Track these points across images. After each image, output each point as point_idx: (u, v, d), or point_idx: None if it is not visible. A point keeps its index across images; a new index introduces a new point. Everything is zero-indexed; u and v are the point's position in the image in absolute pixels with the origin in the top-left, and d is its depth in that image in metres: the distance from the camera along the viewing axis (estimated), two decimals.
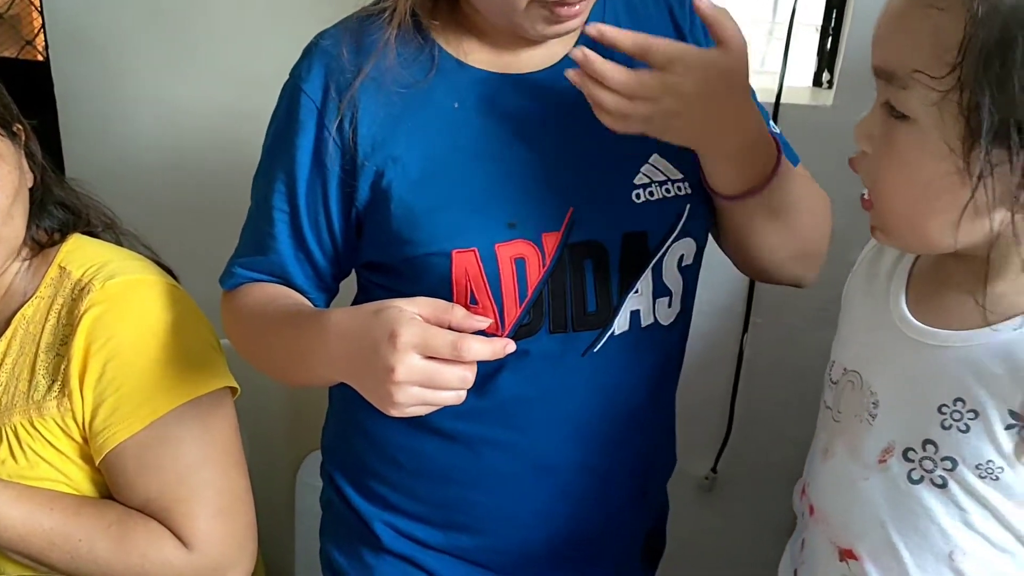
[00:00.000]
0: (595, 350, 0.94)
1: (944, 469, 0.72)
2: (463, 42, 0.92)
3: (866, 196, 0.75)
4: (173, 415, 1.00)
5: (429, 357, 0.76)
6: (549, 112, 0.92)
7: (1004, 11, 0.62)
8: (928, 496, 0.73)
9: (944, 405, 0.71)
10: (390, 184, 0.91)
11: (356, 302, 1.03)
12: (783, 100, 1.46)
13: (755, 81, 1.51)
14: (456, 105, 0.91)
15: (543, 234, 0.90)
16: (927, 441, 0.73)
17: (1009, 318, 0.70)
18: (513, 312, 0.91)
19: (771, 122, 1.00)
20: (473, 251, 0.89)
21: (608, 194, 0.92)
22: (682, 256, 0.96)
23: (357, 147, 0.90)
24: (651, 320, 0.96)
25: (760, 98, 1.46)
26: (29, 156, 1.05)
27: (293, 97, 0.93)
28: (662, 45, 0.81)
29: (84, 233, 1.11)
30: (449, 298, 0.89)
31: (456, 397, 0.80)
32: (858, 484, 0.78)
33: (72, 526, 0.99)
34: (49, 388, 1.00)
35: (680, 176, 0.94)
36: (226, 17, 1.69)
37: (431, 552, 1.03)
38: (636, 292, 0.94)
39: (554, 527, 0.99)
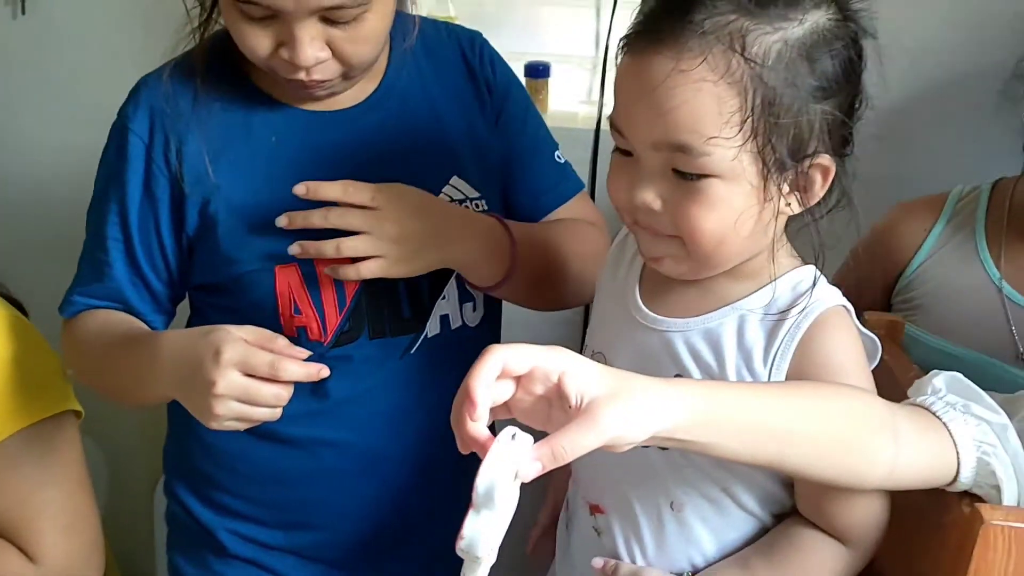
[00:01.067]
0: (412, 352, 1.03)
1: None
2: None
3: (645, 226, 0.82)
4: (16, 438, 1.05)
5: (249, 376, 0.86)
6: (359, 142, 1.01)
7: (764, 72, 0.74)
8: (654, 456, 0.85)
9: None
10: (216, 211, 0.98)
11: (190, 324, 1.09)
12: (604, 127, 1.60)
13: (581, 111, 1.69)
14: (274, 139, 1.00)
15: None
16: None
17: (719, 308, 0.84)
18: (334, 320, 1.00)
19: (557, 152, 1.14)
20: (294, 266, 0.98)
21: None
22: None
23: (183, 178, 0.98)
24: (459, 323, 1.06)
25: (583, 126, 1.64)
26: None
27: (122, 135, 1.00)
28: (360, 187, 0.93)
29: None
30: (275, 309, 0.98)
31: (271, 414, 0.89)
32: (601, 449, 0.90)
33: None
34: None
35: (478, 195, 1.06)
36: (78, 57, 1.73)
37: (274, 552, 1.09)
38: (444, 298, 1.04)
39: (383, 519, 1.07)
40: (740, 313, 0.83)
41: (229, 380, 0.85)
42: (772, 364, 0.81)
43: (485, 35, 1.16)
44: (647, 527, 0.88)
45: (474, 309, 1.08)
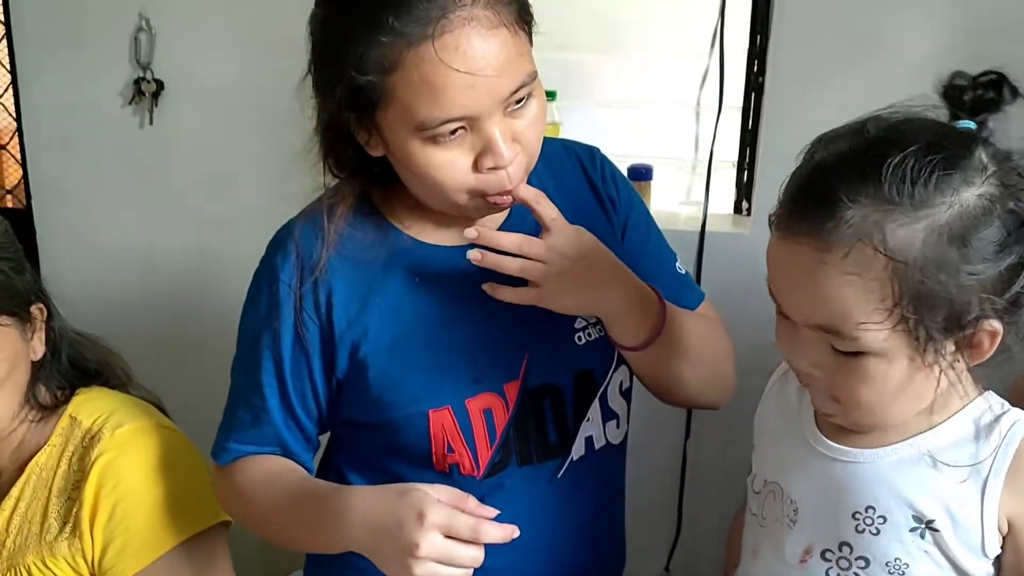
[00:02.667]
0: (559, 476, 1.04)
1: (859, 567, 0.84)
2: (416, 221, 1.02)
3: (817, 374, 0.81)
4: (176, 550, 1.09)
5: (448, 537, 0.87)
6: (495, 275, 0.99)
7: (914, 262, 0.73)
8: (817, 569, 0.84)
9: (857, 512, 0.83)
10: (366, 355, 0.99)
11: (330, 453, 1.11)
12: (708, 229, 1.64)
13: (683, 211, 1.70)
14: (417, 279, 1.01)
15: (505, 384, 1.01)
16: (843, 543, 0.84)
17: (905, 439, 0.83)
18: (485, 455, 1.01)
19: (678, 263, 1.15)
20: (447, 409, 0.99)
21: (555, 340, 1.03)
22: (622, 382, 1.08)
23: (333, 324, 1.00)
24: (603, 442, 1.07)
25: (685, 227, 1.64)
26: (48, 330, 1.14)
27: (272, 286, 1.01)
28: (534, 243, 0.94)
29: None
30: (428, 449, 0.99)
31: (464, 575, 0.89)
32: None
33: None
34: (61, 529, 1.08)
35: None
36: (196, 164, 1.84)
37: None
38: (588, 420, 1.05)
39: None
40: (930, 444, 0.83)
41: (432, 543, 0.86)
42: (985, 488, 0.80)
43: (588, 138, 1.17)
44: None
45: (618, 426, 1.09)
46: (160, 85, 1.80)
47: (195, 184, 1.84)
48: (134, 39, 1.78)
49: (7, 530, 1.10)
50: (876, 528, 0.83)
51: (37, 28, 1.84)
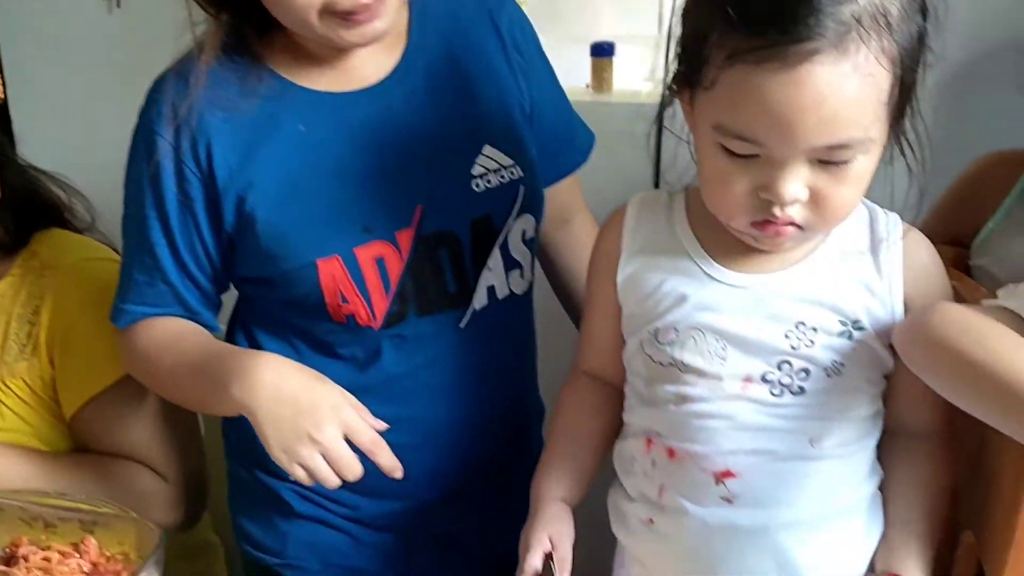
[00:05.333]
0: (461, 326, 1.05)
1: (800, 380, 0.87)
2: (300, 67, 1.00)
3: (780, 220, 0.80)
4: (118, 384, 1.14)
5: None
6: (387, 121, 1.01)
7: (904, 39, 0.75)
8: (791, 403, 0.87)
9: (789, 331, 0.86)
10: (253, 208, 0.98)
11: (239, 309, 1.12)
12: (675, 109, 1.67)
13: (645, 88, 1.74)
14: (302, 127, 0.99)
15: (397, 232, 1.00)
16: (782, 362, 0.87)
17: (806, 256, 0.88)
18: (382, 304, 1.01)
19: (571, 108, 1.16)
20: (336, 258, 0.99)
21: (451, 187, 1.03)
22: (524, 231, 1.08)
23: (215, 177, 0.98)
24: (507, 292, 1.07)
25: (648, 101, 1.68)
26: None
27: (149, 141, 0.99)
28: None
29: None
30: (322, 300, 0.99)
31: (335, 482, 0.91)
32: (723, 412, 0.88)
33: (55, 470, 1.14)
34: (20, 351, 1.14)
35: (511, 162, 1.05)
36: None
37: (341, 509, 1.11)
38: (489, 269, 1.05)
39: (446, 483, 1.10)
40: (831, 251, 0.88)
41: (334, 435, 0.89)
42: (890, 283, 0.87)
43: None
44: (790, 471, 0.88)
45: (522, 276, 1.09)
46: None
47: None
48: None
49: None
50: (809, 340, 0.86)
51: None
